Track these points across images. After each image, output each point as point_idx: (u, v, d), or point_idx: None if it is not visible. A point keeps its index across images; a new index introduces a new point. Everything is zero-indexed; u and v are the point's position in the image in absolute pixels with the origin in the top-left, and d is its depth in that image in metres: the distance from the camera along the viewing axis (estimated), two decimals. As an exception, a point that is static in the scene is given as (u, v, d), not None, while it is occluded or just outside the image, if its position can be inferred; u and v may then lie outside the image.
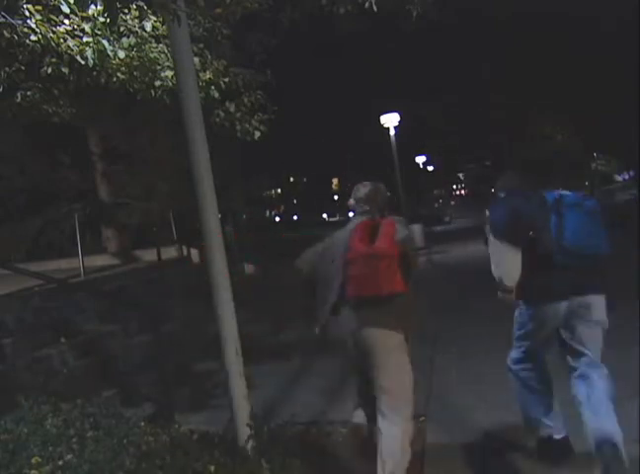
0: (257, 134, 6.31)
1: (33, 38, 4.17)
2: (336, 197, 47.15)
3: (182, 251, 11.50)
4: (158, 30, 4.90)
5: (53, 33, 4.21)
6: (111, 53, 4.45)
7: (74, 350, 5.84)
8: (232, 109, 6.15)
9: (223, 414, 3.90)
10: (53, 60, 4.77)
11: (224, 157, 10.23)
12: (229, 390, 3.65)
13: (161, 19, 4.59)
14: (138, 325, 6.50)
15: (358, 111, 25.25)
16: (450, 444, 3.87)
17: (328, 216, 44.71)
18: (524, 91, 19.38)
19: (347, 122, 27.01)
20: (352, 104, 24.73)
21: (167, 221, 11.98)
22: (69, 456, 3.28)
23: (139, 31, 4.81)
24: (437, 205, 51.56)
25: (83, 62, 4.41)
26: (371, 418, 3.26)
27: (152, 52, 5.03)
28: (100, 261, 10.81)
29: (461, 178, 79.42)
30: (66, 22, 4.28)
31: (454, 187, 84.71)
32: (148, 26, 4.65)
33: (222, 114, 6.13)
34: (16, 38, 4.24)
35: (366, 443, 3.30)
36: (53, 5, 4.02)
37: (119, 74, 5.04)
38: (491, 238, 3.17)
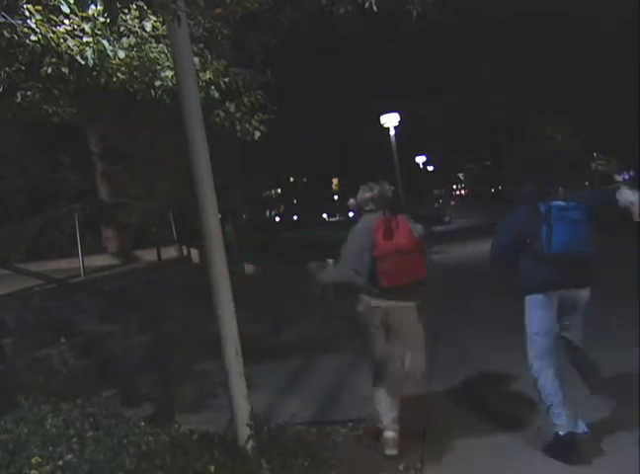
0: (257, 134, 6.33)
1: (33, 38, 4.17)
2: (336, 197, 47.16)
3: (182, 251, 11.47)
4: (158, 30, 4.90)
5: (53, 33, 4.21)
6: (111, 53, 4.45)
7: (74, 350, 5.83)
8: (232, 109, 6.16)
9: (223, 414, 3.90)
10: (53, 60, 4.77)
11: (224, 157, 10.21)
12: (229, 390, 3.65)
13: (161, 19, 4.59)
14: (138, 325, 6.49)
15: (357, 111, 25.28)
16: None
17: (328, 216, 44.65)
18: (524, 91, 19.41)
19: (347, 122, 27.04)
20: (352, 104, 24.77)
21: (167, 221, 11.95)
22: (69, 456, 3.28)
23: (139, 31, 4.82)
24: (437, 205, 51.45)
25: (83, 62, 4.41)
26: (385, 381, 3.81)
27: (152, 52, 5.03)
28: (100, 261, 10.78)
29: (461, 178, 79.54)
30: (66, 22, 4.28)
31: (454, 187, 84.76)
32: (148, 26, 4.64)
33: (222, 114, 6.13)
34: (16, 38, 4.24)
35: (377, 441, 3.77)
36: (53, 5, 4.02)
37: (119, 74, 5.04)
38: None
